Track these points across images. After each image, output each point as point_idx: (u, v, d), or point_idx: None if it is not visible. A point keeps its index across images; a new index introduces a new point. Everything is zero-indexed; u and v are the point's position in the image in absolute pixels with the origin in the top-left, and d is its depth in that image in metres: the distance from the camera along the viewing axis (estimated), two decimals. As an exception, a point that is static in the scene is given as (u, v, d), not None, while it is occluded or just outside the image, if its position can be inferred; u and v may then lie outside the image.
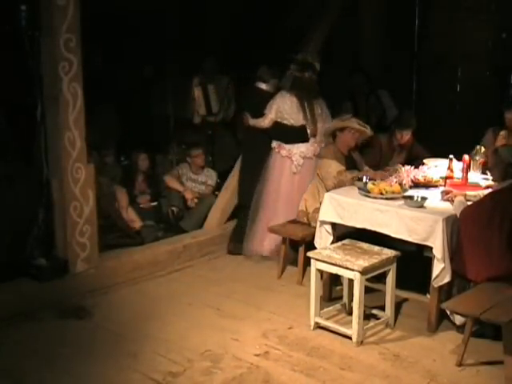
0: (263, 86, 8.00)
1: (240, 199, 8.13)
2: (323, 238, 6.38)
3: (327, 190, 6.59)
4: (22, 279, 6.38)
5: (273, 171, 7.65)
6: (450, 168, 6.66)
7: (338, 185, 6.64)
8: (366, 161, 7.23)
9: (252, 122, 7.81)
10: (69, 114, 6.32)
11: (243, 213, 7.94)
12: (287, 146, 7.55)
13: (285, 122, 7.55)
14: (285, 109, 7.53)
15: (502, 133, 6.92)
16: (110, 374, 5.17)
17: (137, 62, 9.71)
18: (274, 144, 7.67)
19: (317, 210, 6.63)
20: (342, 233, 6.41)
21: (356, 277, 5.52)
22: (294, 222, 7.24)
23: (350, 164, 6.98)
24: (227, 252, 7.91)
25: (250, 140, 8.05)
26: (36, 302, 6.15)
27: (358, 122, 6.96)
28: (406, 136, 7.34)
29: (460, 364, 5.24)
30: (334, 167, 6.78)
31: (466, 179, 6.55)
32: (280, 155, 7.60)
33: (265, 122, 7.67)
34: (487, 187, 6.31)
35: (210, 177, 8.58)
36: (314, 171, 7.11)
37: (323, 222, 6.36)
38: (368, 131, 6.95)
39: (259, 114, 7.71)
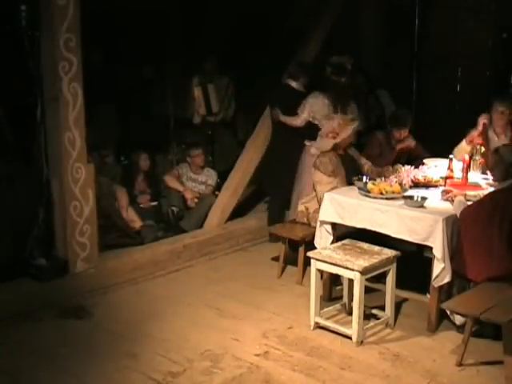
0: (293, 84, 8.05)
1: (267, 188, 8.52)
2: (323, 238, 6.38)
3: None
4: (21, 279, 6.38)
5: (304, 168, 7.73)
6: (450, 168, 6.66)
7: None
8: (366, 157, 7.20)
9: (283, 118, 7.92)
10: (69, 113, 6.31)
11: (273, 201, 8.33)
12: (316, 145, 7.58)
13: (316, 122, 7.57)
14: (317, 110, 7.59)
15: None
16: (110, 373, 5.17)
17: (137, 62, 9.71)
18: (306, 142, 7.74)
19: (317, 210, 6.62)
20: (343, 233, 6.40)
21: (356, 277, 5.52)
22: (293, 222, 7.24)
23: (351, 162, 6.94)
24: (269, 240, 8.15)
25: (280, 134, 8.11)
26: (36, 302, 6.15)
27: (343, 118, 6.96)
28: (404, 134, 7.38)
29: (460, 364, 5.24)
30: (319, 187, 6.76)
31: (466, 179, 6.55)
32: (310, 153, 7.62)
33: (297, 121, 7.78)
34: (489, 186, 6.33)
35: (210, 177, 8.58)
36: None
37: (323, 222, 6.36)
38: (356, 123, 6.93)
39: (288, 110, 7.81)
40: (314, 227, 6.62)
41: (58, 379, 5.09)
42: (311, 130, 7.66)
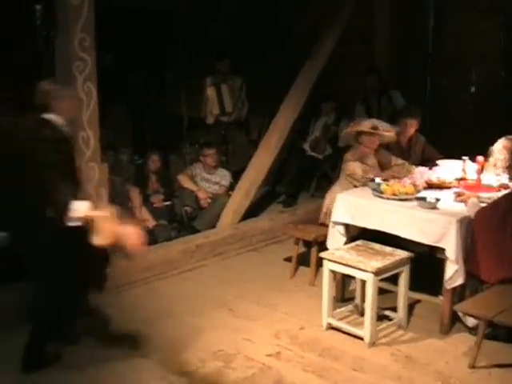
0: None
1: None
2: (336, 238, 6.37)
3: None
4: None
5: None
6: (463, 169, 6.64)
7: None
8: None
9: None
10: (83, 113, 6.31)
11: None
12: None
13: None
14: None
15: None
16: (123, 372, 5.18)
17: (152, 62, 9.75)
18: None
19: None
20: (358, 232, 6.39)
21: (369, 278, 5.51)
22: (306, 222, 7.24)
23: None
24: None
25: None
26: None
27: (374, 125, 6.85)
28: (410, 127, 7.36)
29: (472, 366, 5.22)
30: (357, 169, 6.73)
31: (480, 181, 6.52)
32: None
33: None
34: (501, 187, 6.30)
35: (223, 177, 8.58)
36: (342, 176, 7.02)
37: (336, 223, 6.35)
38: (386, 134, 6.76)
39: None
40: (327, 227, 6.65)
41: (72, 379, 5.11)
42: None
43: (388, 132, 6.74)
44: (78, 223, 4.71)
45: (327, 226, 6.69)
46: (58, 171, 4.76)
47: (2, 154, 5.07)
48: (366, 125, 6.81)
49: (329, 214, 6.70)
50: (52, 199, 4.78)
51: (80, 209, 4.70)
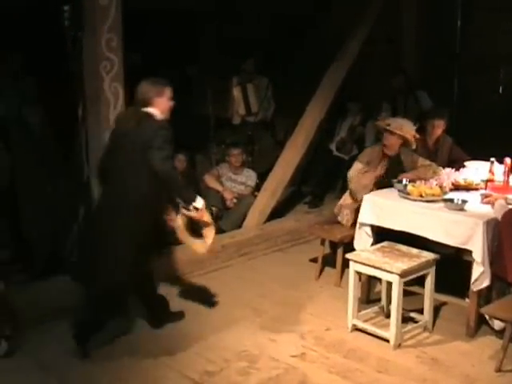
0: None
1: None
2: (363, 239, 6.35)
3: (350, 192, 6.76)
4: (61, 277, 6.42)
5: None
6: (491, 171, 6.59)
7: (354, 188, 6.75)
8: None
9: None
10: (110, 113, 6.34)
11: None
12: None
13: None
14: None
15: None
16: (147, 371, 5.21)
17: (179, 62, 9.78)
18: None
19: (347, 206, 6.87)
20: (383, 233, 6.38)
21: (394, 280, 5.49)
22: (332, 223, 7.23)
23: (391, 167, 6.87)
24: None
25: None
26: (75, 301, 6.17)
27: (388, 122, 6.83)
28: (438, 128, 7.32)
29: (499, 370, 5.17)
30: (354, 168, 6.78)
31: (508, 182, 6.47)
32: None
33: None
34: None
35: (249, 177, 8.58)
36: None
37: (362, 224, 6.34)
38: (407, 136, 6.67)
39: None
40: (346, 225, 6.87)
41: (93, 375, 5.14)
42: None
43: (398, 131, 6.65)
44: (195, 214, 5.48)
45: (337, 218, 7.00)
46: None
47: (117, 143, 5.39)
48: (385, 122, 6.81)
49: (344, 206, 6.95)
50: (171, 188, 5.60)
51: (200, 201, 5.45)
